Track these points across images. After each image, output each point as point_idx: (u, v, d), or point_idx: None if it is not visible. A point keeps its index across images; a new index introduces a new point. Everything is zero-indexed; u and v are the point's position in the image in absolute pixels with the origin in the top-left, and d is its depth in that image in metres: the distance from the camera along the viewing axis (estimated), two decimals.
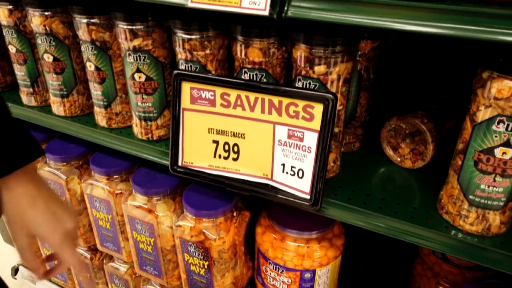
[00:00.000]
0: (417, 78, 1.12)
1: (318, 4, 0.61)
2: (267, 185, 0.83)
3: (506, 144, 0.61)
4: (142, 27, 0.86)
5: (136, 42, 0.88)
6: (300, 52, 0.74)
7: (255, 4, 0.65)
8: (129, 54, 0.90)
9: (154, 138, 0.99)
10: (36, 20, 1.00)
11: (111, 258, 1.31)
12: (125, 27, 0.87)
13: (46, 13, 0.99)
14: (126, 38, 0.88)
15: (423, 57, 1.12)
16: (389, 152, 0.90)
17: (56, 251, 0.70)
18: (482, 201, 0.66)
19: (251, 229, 1.06)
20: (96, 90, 1.02)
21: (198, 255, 0.99)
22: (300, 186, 0.79)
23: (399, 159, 0.89)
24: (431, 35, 0.54)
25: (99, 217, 1.15)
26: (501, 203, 0.66)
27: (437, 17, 0.53)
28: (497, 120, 0.60)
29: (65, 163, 1.15)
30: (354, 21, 0.59)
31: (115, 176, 1.10)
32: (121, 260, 1.26)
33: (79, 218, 1.23)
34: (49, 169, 1.16)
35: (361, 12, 0.58)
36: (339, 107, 0.78)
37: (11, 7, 1.06)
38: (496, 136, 0.61)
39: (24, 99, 1.18)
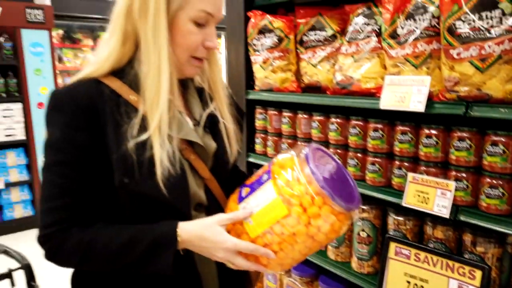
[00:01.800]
0: None
1: (479, 218, 1.18)
2: None
3: None
4: (368, 207, 1.56)
5: (365, 214, 1.57)
6: (468, 238, 1.28)
7: (440, 210, 1.25)
8: (359, 220, 1.58)
9: (365, 272, 1.59)
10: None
11: None
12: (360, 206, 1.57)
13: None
14: (359, 211, 1.58)
15: None
16: None
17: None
18: None
19: None
20: None
21: None
22: None
23: None
24: None
25: None
26: None
27: None
28: None
29: (302, 278, 1.84)
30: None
31: None
32: None
33: None
34: (291, 279, 1.86)
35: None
36: (493, 275, 1.24)
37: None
38: None
39: None
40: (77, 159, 0.86)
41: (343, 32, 1.69)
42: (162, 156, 0.86)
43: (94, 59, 0.94)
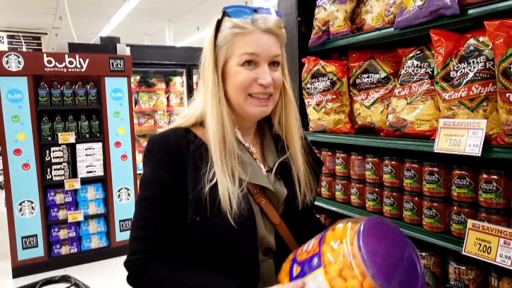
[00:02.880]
0: None
1: None
2: None
3: None
4: (427, 253, 1.49)
5: (423, 261, 1.50)
6: None
7: (503, 261, 1.17)
8: None
9: None
10: None
11: None
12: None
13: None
14: None
15: None
16: None
17: None
18: None
19: None
20: None
21: None
22: None
23: None
24: None
25: None
26: None
27: None
28: None
29: None
30: None
31: None
32: None
33: None
34: None
35: None
36: None
37: None
38: None
39: None
40: (163, 196, 0.97)
41: (396, 74, 1.70)
42: (231, 199, 0.94)
43: (188, 111, 1.08)
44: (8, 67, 3.77)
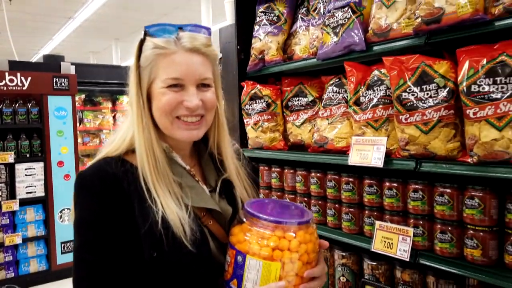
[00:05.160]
0: None
1: (435, 261, 1.33)
2: None
3: None
4: (347, 253, 1.71)
5: (344, 260, 1.72)
6: (430, 280, 1.42)
7: (402, 254, 1.41)
8: (339, 266, 1.73)
9: None
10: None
11: None
12: (339, 253, 1.73)
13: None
14: (339, 258, 1.73)
15: None
16: None
17: None
18: None
19: None
20: None
21: None
22: None
23: None
24: None
25: None
26: None
27: None
28: None
29: None
30: None
31: None
32: None
33: None
34: None
35: None
36: None
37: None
38: None
39: None
40: (106, 236, 0.88)
41: (321, 98, 1.95)
42: (183, 224, 0.89)
43: (115, 137, 1.00)
44: None
